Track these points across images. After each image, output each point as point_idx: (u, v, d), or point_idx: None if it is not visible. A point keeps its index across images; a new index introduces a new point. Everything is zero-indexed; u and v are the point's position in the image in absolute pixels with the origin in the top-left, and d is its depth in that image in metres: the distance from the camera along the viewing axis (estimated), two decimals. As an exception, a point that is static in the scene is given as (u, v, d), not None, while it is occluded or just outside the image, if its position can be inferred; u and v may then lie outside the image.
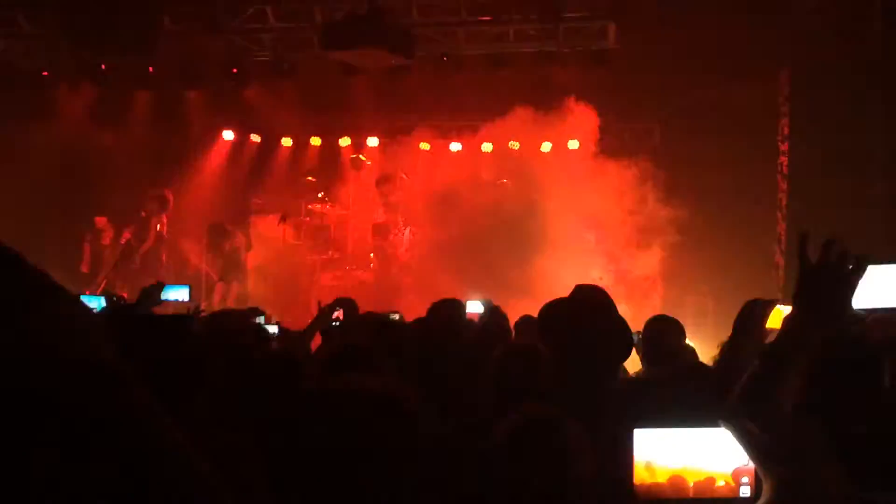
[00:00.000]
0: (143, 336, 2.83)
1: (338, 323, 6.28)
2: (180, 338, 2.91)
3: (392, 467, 1.65)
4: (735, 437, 2.12)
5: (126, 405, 1.11)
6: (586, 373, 3.48)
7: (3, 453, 1.08)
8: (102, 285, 13.72)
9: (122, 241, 14.58)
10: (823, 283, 2.03)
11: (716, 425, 2.21)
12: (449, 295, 6.62)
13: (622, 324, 3.75)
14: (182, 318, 3.71)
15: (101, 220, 14.75)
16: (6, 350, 1.04)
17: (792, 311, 2.08)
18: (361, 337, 4.47)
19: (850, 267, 2.04)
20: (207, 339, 5.39)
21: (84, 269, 14.58)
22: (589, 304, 3.69)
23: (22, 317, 1.05)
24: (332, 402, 1.72)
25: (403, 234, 15.36)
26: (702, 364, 4.52)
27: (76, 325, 1.10)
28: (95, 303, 6.38)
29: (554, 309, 3.77)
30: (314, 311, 6.39)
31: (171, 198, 14.88)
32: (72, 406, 1.07)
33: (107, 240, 14.70)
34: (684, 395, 3.28)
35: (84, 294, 12.59)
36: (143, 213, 14.69)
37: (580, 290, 3.87)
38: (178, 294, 6.90)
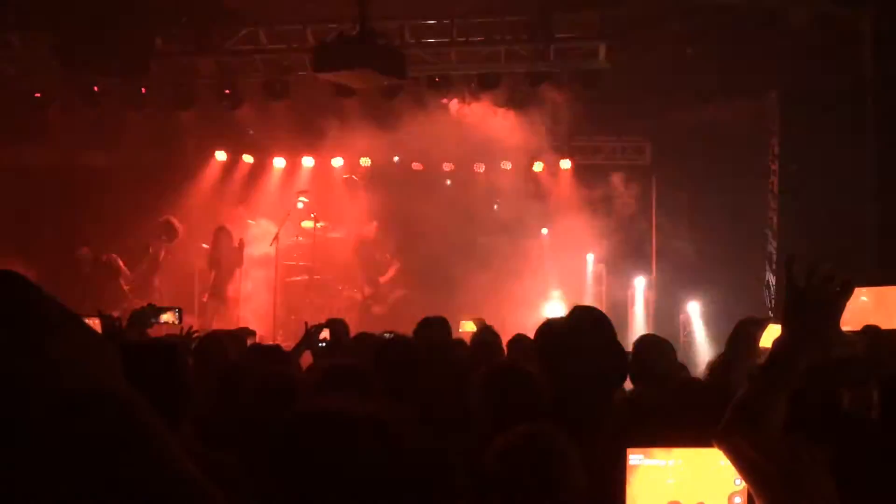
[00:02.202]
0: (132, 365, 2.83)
1: (325, 344, 6.27)
2: (168, 365, 2.91)
3: (378, 489, 1.67)
4: (728, 457, 2.13)
5: (139, 430, 1.17)
6: (581, 393, 3.47)
7: (19, 475, 1.13)
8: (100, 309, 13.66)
9: (130, 274, 14.53)
10: (810, 306, 2.06)
11: (709, 445, 2.22)
12: (439, 314, 6.63)
13: (619, 347, 3.74)
14: (169, 345, 3.70)
15: (100, 245, 14.70)
16: (28, 377, 1.08)
17: (781, 334, 2.11)
18: (358, 357, 4.47)
19: (837, 289, 2.07)
20: (202, 361, 5.40)
21: (86, 286, 14.54)
22: (586, 325, 3.68)
23: (42, 345, 1.10)
24: (316, 425, 1.73)
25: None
26: (692, 380, 4.50)
27: (92, 352, 1.15)
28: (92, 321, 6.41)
29: (551, 328, 3.75)
30: (303, 332, 6.39)
31: (177, 225, 14.86)
32: (87, 432, 1.13)
33: (104, 261, 14.67)
34: (677, 416, 3.27)
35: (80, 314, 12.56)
36: (150, 247, 14.71)
37: (578, 310, 3.86)
38: (168, 317, 6.88)
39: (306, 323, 6.45)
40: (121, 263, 14.62)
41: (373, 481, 1.67)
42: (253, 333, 8.30)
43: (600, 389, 3.56)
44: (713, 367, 4.09)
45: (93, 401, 1.13)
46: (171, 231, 14.86)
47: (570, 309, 3.97)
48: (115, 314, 8.56)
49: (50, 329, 1.13)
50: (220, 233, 14.91)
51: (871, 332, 5.12)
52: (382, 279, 15.57)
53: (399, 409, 1.82)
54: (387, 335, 6.64)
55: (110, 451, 1.14)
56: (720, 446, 2.13)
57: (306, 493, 1.67)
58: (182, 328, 6.95)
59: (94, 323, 7.05)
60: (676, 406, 3.44)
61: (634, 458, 2.67)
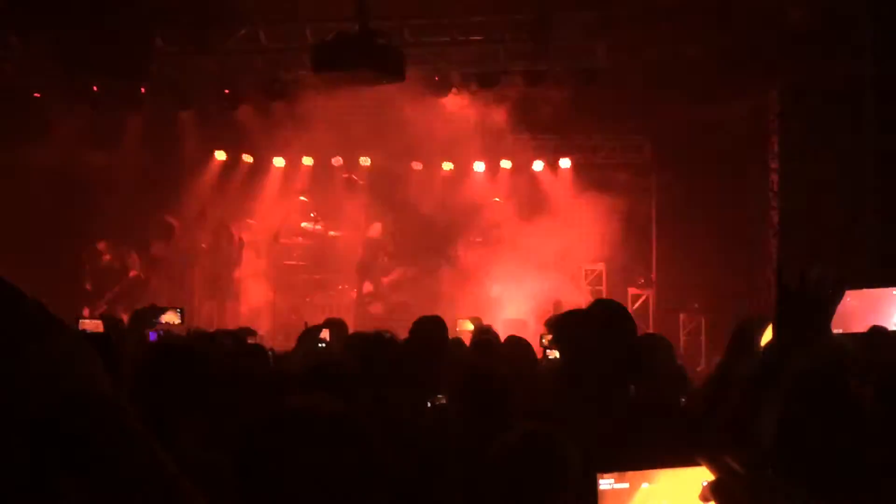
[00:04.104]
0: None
1: (324, 344, 6.25)
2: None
3: (354, 487, 1.68)
4: (714, 474, 2.11)
5: (119, 433, 1.20)
6: (595, 387, 3.45)
7: (7, 477, 1.17)
8: (102, 310, 13.67)
9: (131, 274, 14.49)
10: (801, 309, 2.06)
11: (696, 464, 2.19)
12: (439, 312, 6.62)
13: (638, 345, 3.72)
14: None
15: (101, 245, 14.68)
16: (9, 381, 1.11)
17: (772, 338, 2.10)
18: (345, 356, 4.47)
19: (828, 291, 2.06)
20: (206, 361, 5.39)
21: (87, 286, 14.52)
22: (608, 319, 3.66)
23: (24, 350, 1.12)
24: (285, 423, 1.75)
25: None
26: (674, 393, 4.49)
27: (74, 357, 1.17)
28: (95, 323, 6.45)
29: (572, 319, 3.75)
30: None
31: (176, 225, 14.84)
32: (70, 434, 1.16)
33: (105, 259, 14.65)
34: (659, 432, 3.22)
35: (84, 315, 12.58)
36: (151, 247, 14.67)
37: (600, 304, 3.86)
38: (170, 316, 6.89)
39: (306, 323, 6.45)
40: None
41: (348, 479, 1.69)
42: (254, 333, 8.29)
43: (613, 384, 3.52)
44: (718, 366, 4.07)
45: (77, 404, 1.16)
46: (168, 230, 14.84)
47: (564, 309, 3.98)
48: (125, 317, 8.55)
49: (32, 333, 1.15)
50: (220, 232, 14.91)
51: (875, 332, 5.10)
52: (385, 279, 15.56)
53: (376, 408, 1.84)
54: (386, 335, 6.65)
55: (94, 453, 1.17)
56: (706, 464, 2.11)
57: (282, 492, 1.68)
58: (188, 328, 6.97)
59: (98, 324, 7.08)
60: (658, 421, 3.39)
61: (605, 482, 2.57)
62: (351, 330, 7.06)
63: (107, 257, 14.72)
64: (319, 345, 6.17)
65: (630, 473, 2.56)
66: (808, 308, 2.06)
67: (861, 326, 4.31)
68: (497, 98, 14.39)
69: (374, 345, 4.64)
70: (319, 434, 1.71)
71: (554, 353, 6.64)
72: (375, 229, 15.69)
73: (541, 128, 14.70)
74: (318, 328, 6.26)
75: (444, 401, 4.39)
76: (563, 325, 3.77)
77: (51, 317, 1.19)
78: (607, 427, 3.12)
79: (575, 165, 15.66)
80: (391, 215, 15.75)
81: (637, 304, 14.90)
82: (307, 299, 15.29)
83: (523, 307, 14.37)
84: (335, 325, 6.55)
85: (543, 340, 8.12)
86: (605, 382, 3.42)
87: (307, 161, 16.30)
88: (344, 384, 3.60)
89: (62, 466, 1.16)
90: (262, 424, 1.77)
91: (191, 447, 2.76)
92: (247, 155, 16.33)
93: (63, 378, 1.15)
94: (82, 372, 1.18)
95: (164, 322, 7.15)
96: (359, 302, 15.42)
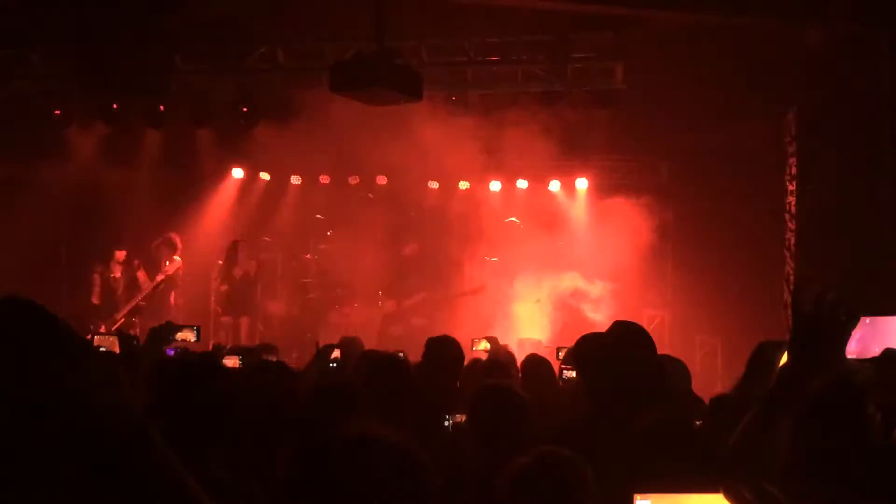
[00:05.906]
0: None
1: (336, 363, 6.24)
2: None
3: None
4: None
5: (147, 449, 1.26)
6: (616, 409, 3.44)
7: (41, 488, 1.25)
8: (119, 323, 13.70)
9: (153, 284, 14.45)
10: (817, 333, 2.05)
11: (715, 491, 2.18)
12: (457, 333, 6.61)
13: (658, 367, 3.72)
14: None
15: (120, 254, 14.67)
16: (45, 398, 1.15)
17: (787, 361, 2.10)
18: (355, 376, 4.47)
19: (843, 317, 2.06)
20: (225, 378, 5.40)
21: (95, 300, 14.52)
22: (628, 340, 3.65)
23: (58, 369, 1.17)
24: (347, 449, 1.72)
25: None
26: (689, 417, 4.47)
27: (104, 376, 1.22)
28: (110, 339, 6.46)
29: (592, 342, 3.73)
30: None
31: (179, 241, 14.83)
32: (102, 449, 1.22)
33: (118, 273, 14.67)
34: (682, 455, 3.21)
35: (99, 330, 12.62)
36: (164, 264, 14.64)
37: (619, 325, 3.85)
38: (186, 334, 6.89)
39: (317, 343, 6.45)
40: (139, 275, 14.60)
41: None
42: (275, 349, 8.26)
43: (634, 406, 3.52)
44: (736, 388, 4.05)
45: (108, 420, 1.19)
46: (171, 245, 14.81)
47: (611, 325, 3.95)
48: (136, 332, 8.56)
49: (65, 354, 1.19)
50: (234, 248, 14.95)
51: (886, 354, 5.02)
52: (407, 302, 15.52)
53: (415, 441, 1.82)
54: (400, 355, 6.65)
55: (124, 466, 1.22)
56: (726, 494, 2.10)
57: None
58: (214, 345, 6.96)
59: (112, 340, 7.10)
60: (681, 443, 3.38)
61: (641, 503, 2.57)
62: (371, 347, 7.06)
63: (123, 274, 14.75)
64: (332, 364, 6.17)
65: (665, 496, 2.55)
66: (822, 333, 2.06)
67: (876, 353, 4.28)
68: (514, 118, 14.41)
69: (383, 366, 4.64)
70: (379, 463, 1.69)
71: (571, 374, 6.62)
72: (401, 249, 15.70)
73: (557, 148, 14.69)
74: (332, 347, 6.26)
75: (462, 420, 4.38)
76: (582, 348, 3.76)
77: (81, 338, 1.24)
78: (629, 449, 3.11)
79: (592, 186, 15.67)
80: (407, 234, 15.76)
81: (653, 325, 14.84)
82: (322, 317, 15.30)
83: (538, 326, 14.35)
84: (349, 343, 6.54)
85: (560, 354, 8.07)
86: (626, 404, 3.41)
87: (324, 179, 16.36)
88: (350, 404, 3.59)
89: (94, 478, 1.20)
90: (316, 450, 1.74)
91: (211, 465, 2.76)
92: (264, 173, 16.40)
93: (95, 396, 1.19)
94: (112, 390, 1.22)
95: (180, 339, 7.15)
96: (380, 320, 15.41)
